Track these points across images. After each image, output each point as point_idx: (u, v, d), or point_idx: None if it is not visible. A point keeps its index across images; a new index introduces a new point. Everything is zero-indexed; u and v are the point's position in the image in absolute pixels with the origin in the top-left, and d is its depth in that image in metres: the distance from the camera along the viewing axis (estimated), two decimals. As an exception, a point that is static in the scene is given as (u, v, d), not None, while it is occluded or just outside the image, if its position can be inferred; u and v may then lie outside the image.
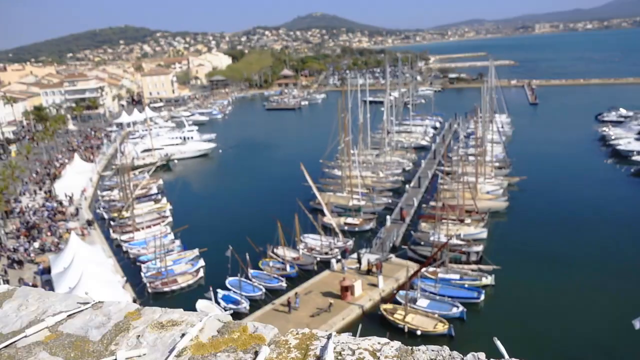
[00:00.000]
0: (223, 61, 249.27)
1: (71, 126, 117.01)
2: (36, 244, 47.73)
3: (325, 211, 47.29)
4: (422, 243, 43.42)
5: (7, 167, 65.55)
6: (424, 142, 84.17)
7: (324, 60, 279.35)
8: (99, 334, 2.05)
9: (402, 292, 34.12)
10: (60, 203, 60.22)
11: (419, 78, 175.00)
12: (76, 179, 65.47)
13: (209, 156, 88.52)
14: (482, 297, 34.81)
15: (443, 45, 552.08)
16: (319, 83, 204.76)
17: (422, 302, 34.19)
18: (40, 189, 66.85)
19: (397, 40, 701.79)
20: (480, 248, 41.52)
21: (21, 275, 41.43)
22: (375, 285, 36.83)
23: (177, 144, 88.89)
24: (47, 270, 40.79)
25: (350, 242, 44.68)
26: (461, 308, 33.07)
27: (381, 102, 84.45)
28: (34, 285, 38.92)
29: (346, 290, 35.13)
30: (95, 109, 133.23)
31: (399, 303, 34.13)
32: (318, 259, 42.28)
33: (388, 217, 49.23)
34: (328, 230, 46.13)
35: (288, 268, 40.88)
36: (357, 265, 39.81)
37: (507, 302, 34.48)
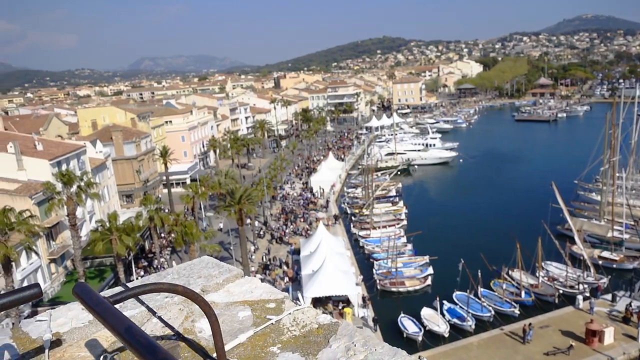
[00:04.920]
0: (473, 69, 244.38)
1: (329, 127, 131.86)
2: (291, 227, 55.50)
3: (577, 239, 41.86)
4: None
5: (278, 159, 77.98)
6: None
7: (591, 67, 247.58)
8: None
9: (672, 355, 27.60)
10: (314, 194, 68.56)
11: None
12: (328, 175, 73.52)
13: (449, 164, 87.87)
14: None
15: None
16: (583, 93, 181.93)
17: (702, 374, 26.97)
18: (300, 180, 77.48)
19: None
20: None
21: (277, 252, 48.81)
22: (633, 338, 30.78)
23: (419, 150, 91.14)
24: (297, 252, 46.94)
25: (605, 280, 38.44)
26: None
27: (666, 118, 69.94)
28: (286, 263, 45.38)
29: (594, 335, 30.32)
30: (350, 113, 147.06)
31: (666, 367, 27.71)
32: (560, 291, 37.77)
33: (661, 258, 40.55)
34: (576, 261, 40.96)
35: (523, 294, 37.61)
36: (612, 308, 33.89)
37: None
